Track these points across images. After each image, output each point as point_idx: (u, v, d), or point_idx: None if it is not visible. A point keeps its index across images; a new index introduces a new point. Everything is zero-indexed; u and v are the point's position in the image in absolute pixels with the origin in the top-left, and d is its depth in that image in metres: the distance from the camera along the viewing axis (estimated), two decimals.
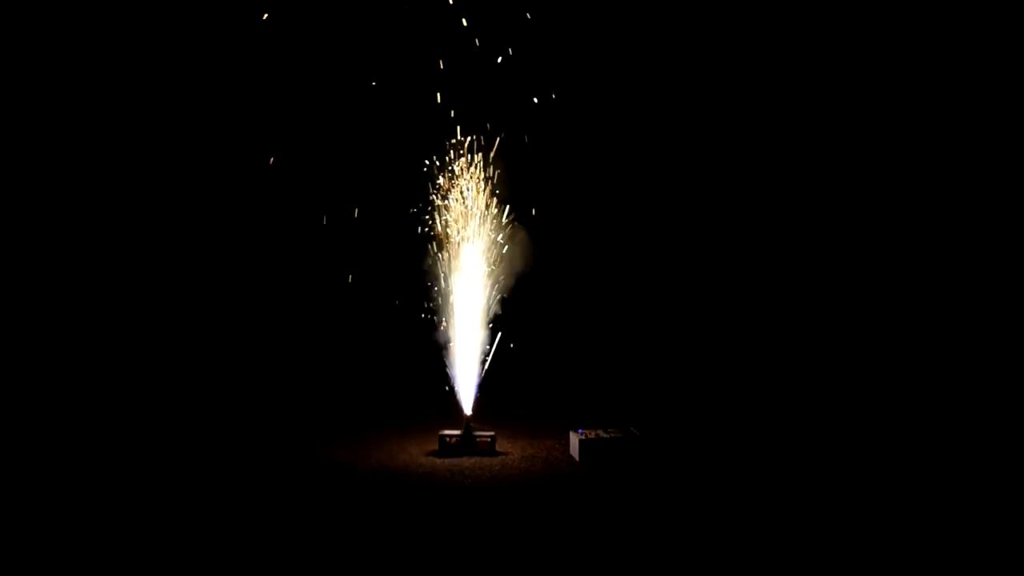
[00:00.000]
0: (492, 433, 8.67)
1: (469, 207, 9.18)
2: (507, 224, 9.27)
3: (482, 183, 9.19)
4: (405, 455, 8.48)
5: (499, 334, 9.41)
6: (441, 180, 9.21)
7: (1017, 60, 11.14)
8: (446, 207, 9.23)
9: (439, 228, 9.26)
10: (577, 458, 8.27)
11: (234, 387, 11.57)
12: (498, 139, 9.18)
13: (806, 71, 12.15)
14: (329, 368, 12.30)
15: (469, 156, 9.19)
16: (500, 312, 9.40)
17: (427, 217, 9.32)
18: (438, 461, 8.24)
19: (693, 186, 12.86)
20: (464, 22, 9.67)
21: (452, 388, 9.33)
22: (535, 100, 10.00)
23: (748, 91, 12.43)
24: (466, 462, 8.18)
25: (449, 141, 9.20)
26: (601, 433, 8.41)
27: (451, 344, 9.37)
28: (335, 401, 11.28)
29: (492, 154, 9.21)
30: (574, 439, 8.41)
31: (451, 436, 8.55)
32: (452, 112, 9.35)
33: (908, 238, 12.12)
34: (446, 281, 9.32)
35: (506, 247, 9.22)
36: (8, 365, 11.12)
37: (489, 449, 8.51)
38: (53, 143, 11.86)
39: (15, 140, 11.61)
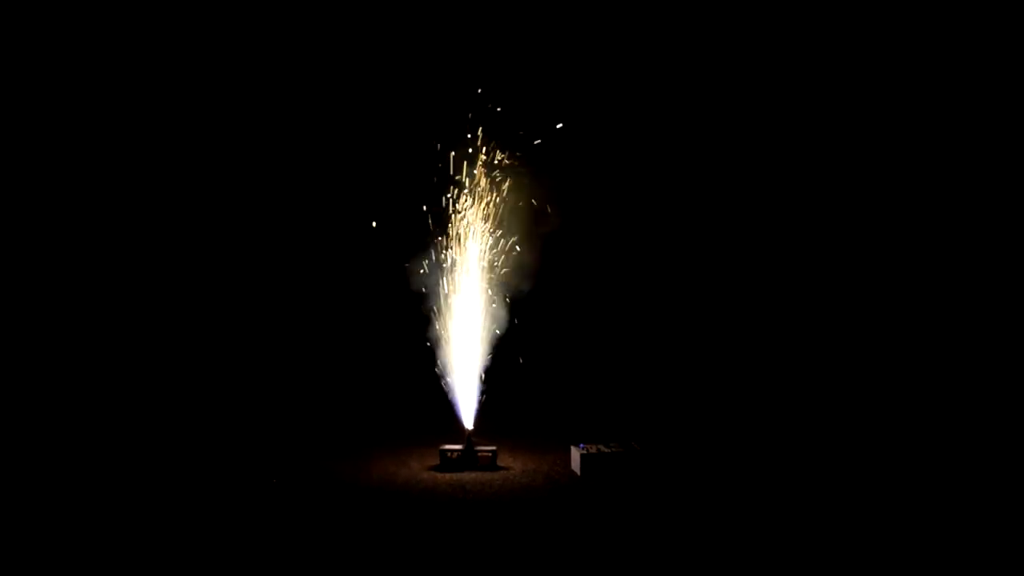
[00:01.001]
0: (493, 448, 8.68)
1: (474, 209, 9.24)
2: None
3: (487, 190, 9.28)
4: (406, 470, 8.48)
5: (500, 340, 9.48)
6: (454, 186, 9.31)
7: (1017, 60, 11.21)
8: (453, 211, 9.30)
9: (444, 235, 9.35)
10: (579, 472, 8.27)
11: (239, 402, 11.57)
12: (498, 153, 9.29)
13: (803, 72, 12.21)
14: (330, 384, 12.32)
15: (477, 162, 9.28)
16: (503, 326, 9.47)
17: (433, 226, 9.41)
18: (439, 476, 8.24)
19: (691, 203, 12.92)
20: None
21: (452, 403, 9.35)
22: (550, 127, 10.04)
23: (743, 103, 12.49)
24: (467, 477, 8.18)
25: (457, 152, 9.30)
26: (602, 448, 8.42)
27: (449, 358, 9.41)
28: (336, 417, 11.28)
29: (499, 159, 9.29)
30: (575, 453, 8.42)
31: (452, 451, 8.55)
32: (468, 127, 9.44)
33: (907, 239, 12.15)
34: (446, 292, 9.38)
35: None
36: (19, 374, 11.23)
37: (490, 464, 8.51)
38: (55, 145, 11.97)
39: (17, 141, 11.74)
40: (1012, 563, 5.58)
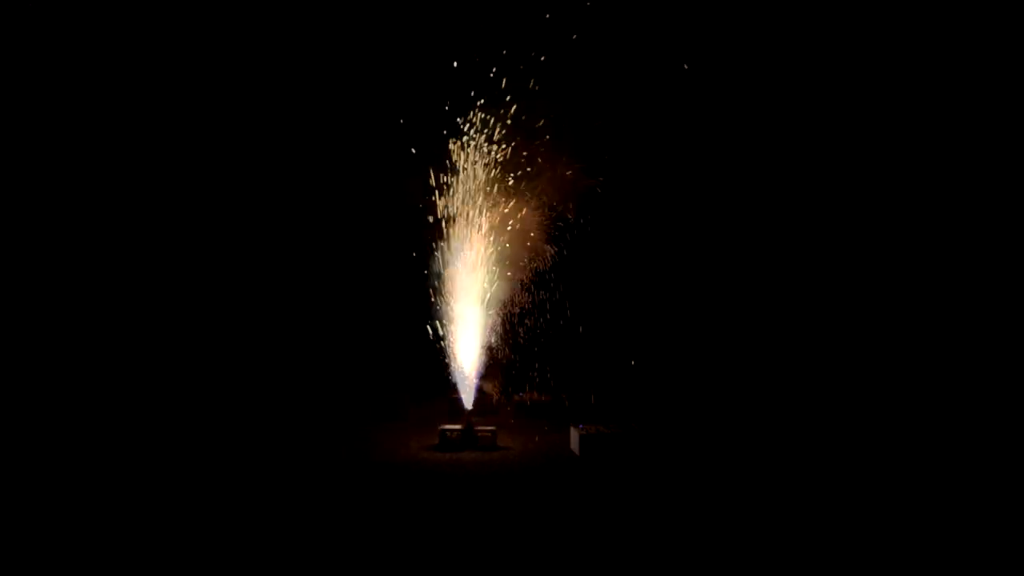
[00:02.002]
0: (493, 428, 8.66)
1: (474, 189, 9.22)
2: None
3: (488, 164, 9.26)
4: (405, 450, 8.43)
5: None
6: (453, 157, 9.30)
7: (1017, 60, 11.19)
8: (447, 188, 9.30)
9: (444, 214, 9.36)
10: (577, 452, 8.25)
11: (241, 387, 11.56)
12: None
13: (802, 71, 12.22)
14: (331, 365, 12.30)
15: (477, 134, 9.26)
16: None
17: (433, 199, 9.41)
18: (439, 455, 8.19)
19: (695, 186, 12.87)
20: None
21: (453, 384, 9.35)
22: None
23: (748, 96, 12.46)
24: (467, 456, 8.15)
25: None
26: (601, 428, 8.41)
27: (451, 340, 9.41)
28: (337, 397, 11.27)
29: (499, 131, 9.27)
30: (574, 434, 8.40)
31: (452, 431, 8.52)
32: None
33: (908, 237, 12.16)
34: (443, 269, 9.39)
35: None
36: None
37: (490, 444, 8.49)
38: (55, 146, 11.90)
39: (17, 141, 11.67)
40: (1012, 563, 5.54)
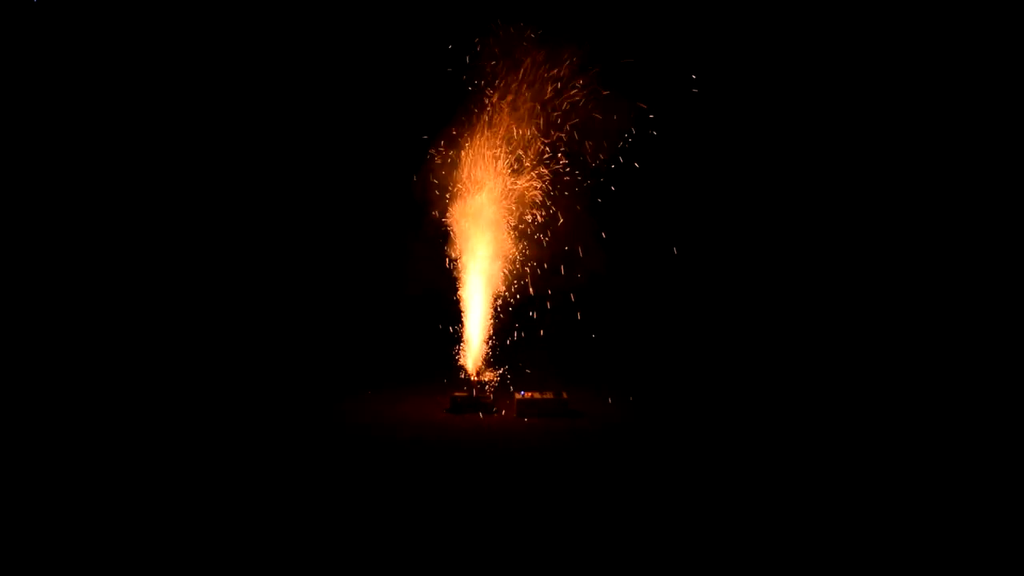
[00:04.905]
0: (491, 396, 11.03)
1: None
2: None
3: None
4: (426, 409, 10.83)
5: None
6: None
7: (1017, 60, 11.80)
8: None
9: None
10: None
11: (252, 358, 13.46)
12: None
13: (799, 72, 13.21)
14: (345, 337, 14.29)
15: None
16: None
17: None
18: (453, 416, 10.59)
19: (698, 177, 13.83)
20: None
21: (460, 354, 11.58)
22: None
23: (750, 93, 13.44)
24: (474, 417, 10.51)
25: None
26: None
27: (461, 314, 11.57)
28: (356, 364, 13.41)
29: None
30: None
31: (461, 397, 10.91)
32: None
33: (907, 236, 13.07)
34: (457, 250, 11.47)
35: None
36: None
37: (490, 408, 10.84)
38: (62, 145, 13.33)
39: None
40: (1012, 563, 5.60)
